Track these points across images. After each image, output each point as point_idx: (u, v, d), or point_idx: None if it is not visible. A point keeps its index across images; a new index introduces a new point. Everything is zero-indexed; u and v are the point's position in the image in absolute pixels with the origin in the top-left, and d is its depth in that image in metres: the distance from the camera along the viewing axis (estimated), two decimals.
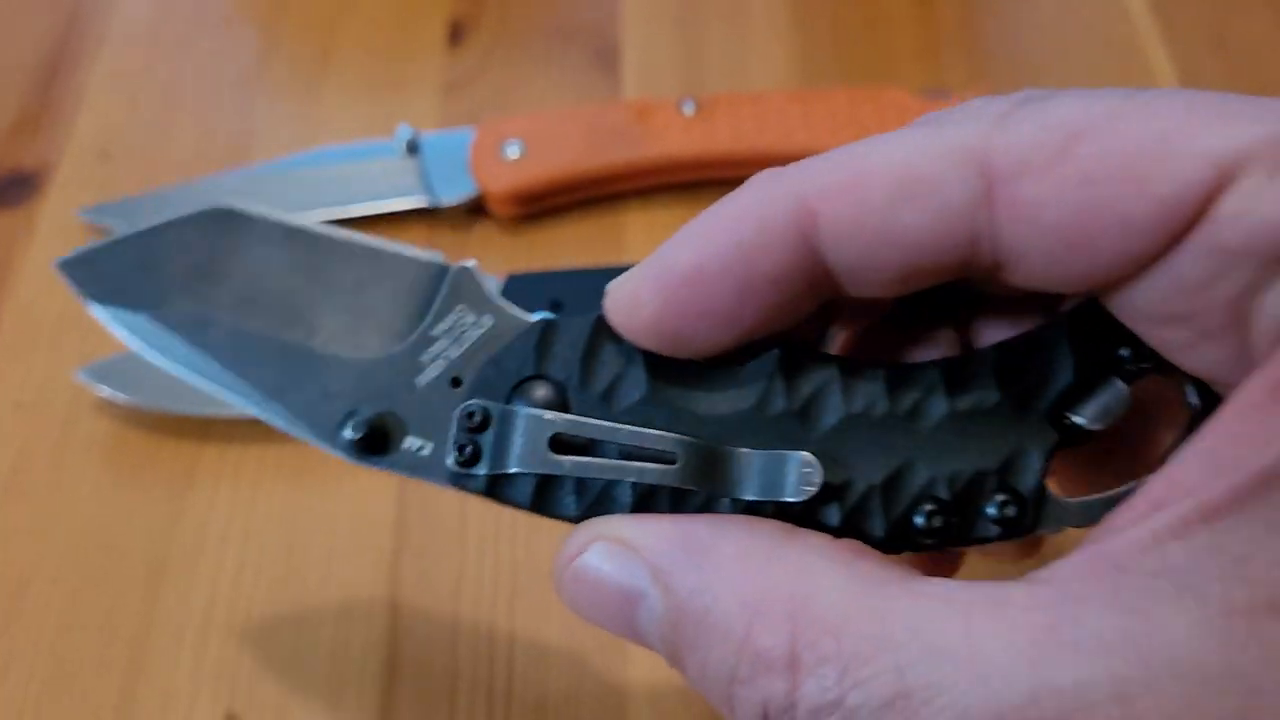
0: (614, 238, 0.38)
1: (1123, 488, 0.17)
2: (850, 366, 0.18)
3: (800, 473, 0.17)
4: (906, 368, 0.18)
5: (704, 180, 0.38)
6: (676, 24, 0.44)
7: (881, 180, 0.15)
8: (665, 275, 0.17)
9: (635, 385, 0.18)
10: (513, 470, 0.18)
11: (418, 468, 0.18)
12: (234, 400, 0.19)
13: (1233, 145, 0.14)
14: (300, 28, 0.43)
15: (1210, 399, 0.17)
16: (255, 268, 0.20)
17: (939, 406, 0.17)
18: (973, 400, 0.17)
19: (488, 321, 0.19)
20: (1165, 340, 0.16)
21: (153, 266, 0.20)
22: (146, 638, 0.30)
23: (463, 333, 0.19)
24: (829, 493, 0.17)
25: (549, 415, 0.18)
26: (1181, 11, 0.44)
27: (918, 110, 0.38)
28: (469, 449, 0.18)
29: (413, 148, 0.38)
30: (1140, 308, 0.15)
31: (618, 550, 0.17)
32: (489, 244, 0.37)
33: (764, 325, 0.17)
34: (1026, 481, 0.17)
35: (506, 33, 0.43)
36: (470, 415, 0.18)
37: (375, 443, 0.18)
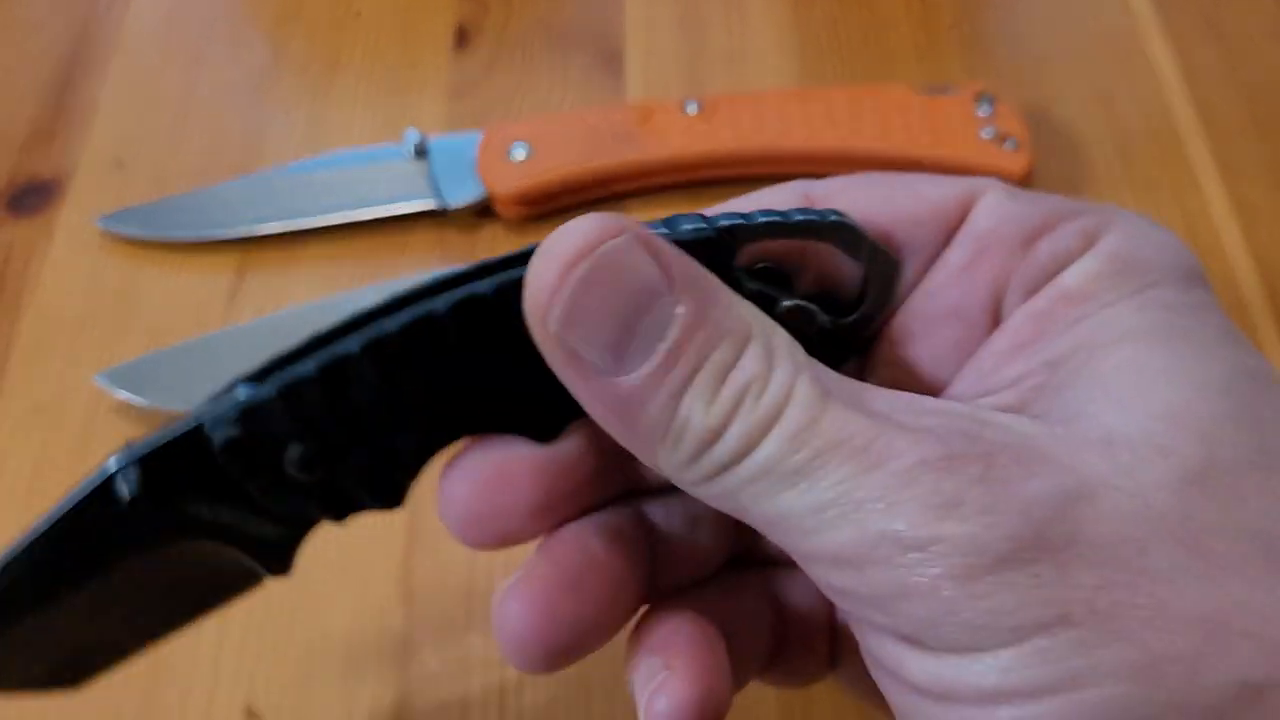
0: None
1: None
2: None
3: None
4: None
5: (707, 179, 0.39)
6: (679, 26, 0.44)
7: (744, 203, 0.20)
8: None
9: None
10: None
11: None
12: None
13: (977, 181, 0.20)
14: (308, 36, 0.44)
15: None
16: None
17: None
18: None
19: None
20: (946, 341, 0.20)
21: None
22: None
23: None
24: None
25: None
26: (1180, 4, 0.44)
27: (919, 107, 0.38)
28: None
29: (421, 151, 0.38)
30: (928, 308, 0.20)
31: (644, 249, 0.16)
32: (497, 245, 0.38)
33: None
34: None
35: (511, 37, 0.44)
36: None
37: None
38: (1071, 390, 0.17)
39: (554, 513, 0.20)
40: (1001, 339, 0.19)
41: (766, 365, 0.16)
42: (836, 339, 0.20)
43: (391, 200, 0.38)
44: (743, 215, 0.18)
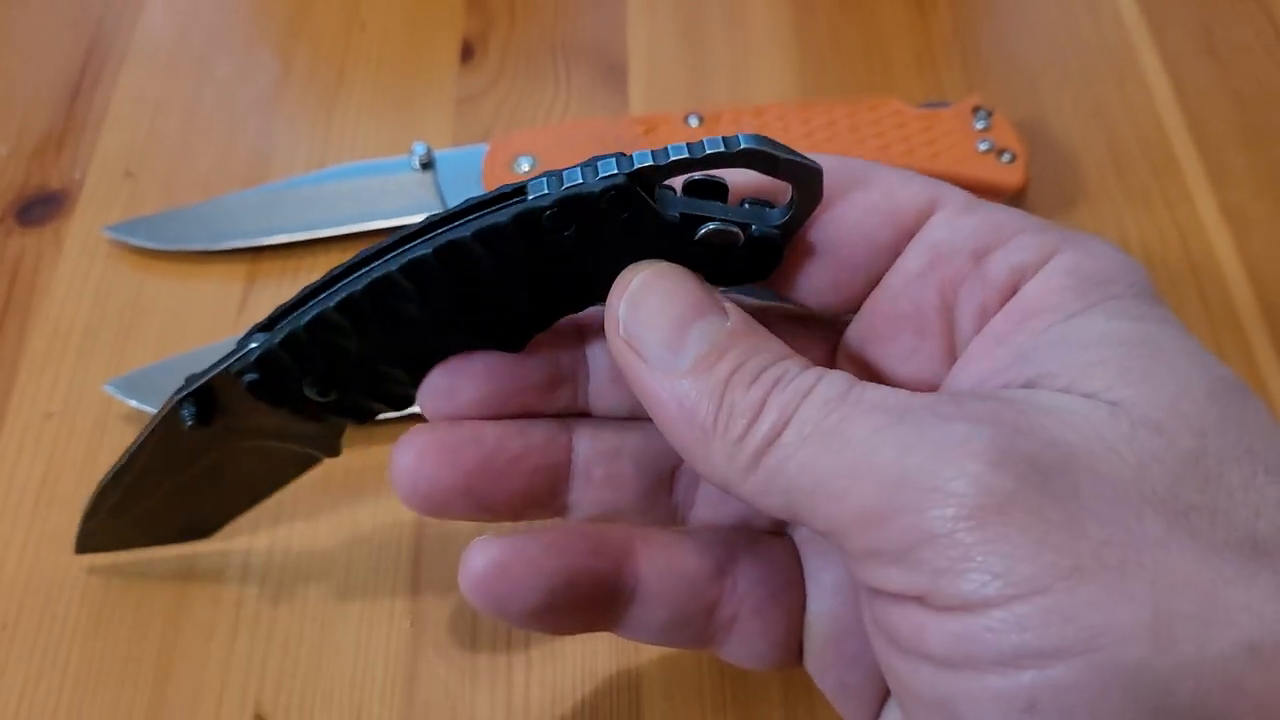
0: None
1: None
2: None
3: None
4: None
5: None
6: (681, 40, 0.45)
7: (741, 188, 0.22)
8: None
9: None
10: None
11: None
12: None
13: (937, 189, 0.21)
14: (316, 49, 0.45)
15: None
16: None
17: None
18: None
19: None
20: (905, 345, 0.21)
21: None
22: (175, 638, 0.30)
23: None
24: None
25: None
26: (1172, 17, 0.45)
27: (917, 120, 0.39)
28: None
29: (427, 164, 0.39)
30: (889, 309, 0.21)
31: (681, 274, 0.20)
32: None
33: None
34: None
35: (516, 50, 0.45)
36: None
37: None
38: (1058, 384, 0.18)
39: (498, 402, 0.23)
40: (970, 357, 0.20)
41: (800, 365, 0.19)
42: (767, 245, 0.21)
43: (398, 212, 0.38)
44: (654, 153, 0.20)
